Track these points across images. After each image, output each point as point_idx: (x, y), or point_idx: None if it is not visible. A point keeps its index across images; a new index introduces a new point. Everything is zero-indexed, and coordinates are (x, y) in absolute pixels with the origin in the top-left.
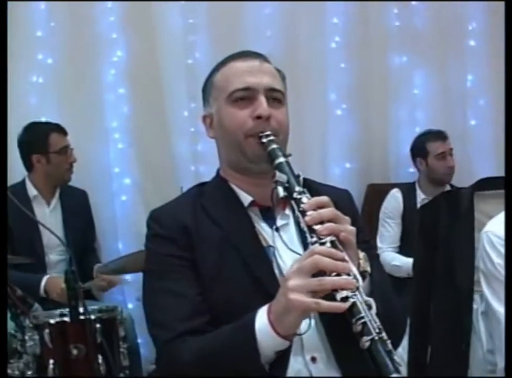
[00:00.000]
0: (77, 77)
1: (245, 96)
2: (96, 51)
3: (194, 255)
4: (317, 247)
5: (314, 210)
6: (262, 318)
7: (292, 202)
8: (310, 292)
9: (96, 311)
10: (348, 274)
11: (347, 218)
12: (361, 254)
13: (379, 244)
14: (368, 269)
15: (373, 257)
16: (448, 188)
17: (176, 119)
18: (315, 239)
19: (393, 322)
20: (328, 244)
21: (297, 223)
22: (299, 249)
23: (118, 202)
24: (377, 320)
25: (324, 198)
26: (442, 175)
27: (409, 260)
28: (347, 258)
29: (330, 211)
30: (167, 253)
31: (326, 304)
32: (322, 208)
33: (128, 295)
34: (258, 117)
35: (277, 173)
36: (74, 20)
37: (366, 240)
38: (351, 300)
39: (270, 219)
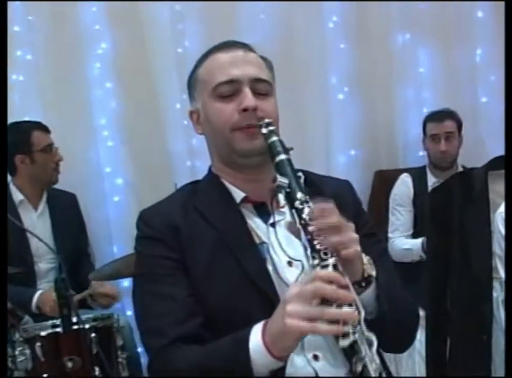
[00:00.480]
0: (60, 73)
1: (230, 89)
2: (79, 44)
3: (186, 257)
4: (319, 272)
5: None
6: (256, 336)
7: (293, 212)
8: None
9: (90, 320)
10: (350, 305)
11: (351, 226)
12: (366, 259)
13: (390, 234)
14: (373, 273)
15: (380, 252)
16: (460, 169)
17: (168, 113)
18: (316, 261)
19: (401, 323)
20: (330, 268)
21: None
22: (296, 246)
23: (110, 203)
24: (377, 360)
25: (328, 206)
26: (435, 159)
27: (419, 241)
28: (350, 284)
29: (331, 220)
30: (157, 255)
31: (324, 329)
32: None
33: (126, 302)
34: (245, 110)
35: (278, 177)
36: (53, 13)
37: (372, 232)
38: (352, 338)
39: (265, 215)
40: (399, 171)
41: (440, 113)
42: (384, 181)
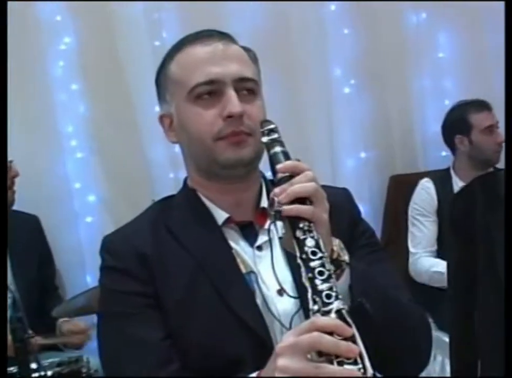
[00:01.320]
0: (16, 74)
1: (210, 90)
2: (37, 40)
3: (157, 290)
4: (318, 320)
5: (320, 258)
6: None
7: (294, 243)
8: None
9: (54, 365)
10: (355, 361)
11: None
12: (336, 241)
13: (411, 249)
14: (346, 258)
15: (381, 260)
16: (490, 170)
17: (146, 117)
18: (316, 307)
19: (396, 328)
20: (333, 315)
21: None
22: (283, 269)
23: (82, 225)
24: None
25: (300, 165)
26: (491, 154)
27: None
28: (357, 335)
29: (305, 188)
30: (123, 290)
31: None
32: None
33: None
34: (229, 116)
35: (276, 200)
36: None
37: (370, 242)
38: None
39: (251, 236)
40: (418, 175)
41: (483, 102)
42: (401, 188)
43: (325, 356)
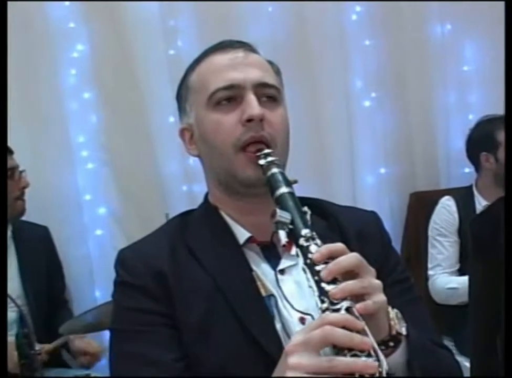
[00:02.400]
0: (26, 82)
1: (230, 96)
2: (49, 47)
3: (174, 310)
4: (329, 316)
5: (326, 262)
6: None
7: (298, 251)
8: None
9: None
10: (369, 354)
11: (372, 270)
12: (393, 312)
13: (430, 271)
14: (403, 330)
15: (413, 300)
16: None
17: (160, 128)
18: (325, 305)
19: None
20: (343, 312)
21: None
22: (309, 298)
23: (92, 238)
24: None
25: (339, 246)
26: None
27: (466, 278)
28: (367, 330)
29: (348, 260)
30: (137, 307)
31: None
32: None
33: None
34: (249, 120)
35: (278, 211)
36: (17, 10)
37: (403, 278)
38: None
39: (273, 258)
40: (440, 193)
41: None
42: (422, 205)
43: (338, 350)
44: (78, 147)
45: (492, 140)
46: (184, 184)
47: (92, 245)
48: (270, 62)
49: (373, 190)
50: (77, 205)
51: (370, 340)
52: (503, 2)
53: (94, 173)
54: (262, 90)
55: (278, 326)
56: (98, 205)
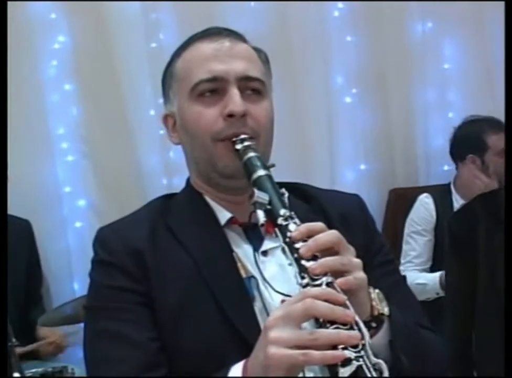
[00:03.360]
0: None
1: (213, 88)
2: (30, 37)
3: (151, 290)
4: (310, 289)
5: (305, 240)
6: (236, 376)
7: (277, 230)
8: (297, 347)
9: (38, 375)
10: (351, 327)
11: (351, 248)
12: (374, 293)
13: (401, 267)
14: (386, 310)
15: (397, 283)
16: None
17: (140, 120)
18: (306, 280)
19: (424, 373)
20: (324, 286)
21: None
22: (292, 282)
23: (71, 230)
24: None
25: (317, 225)
26: (502, 177)
27: (436, 275)
28: (349, 304)
29: (327, 237)
30: (114, 285)
31: (319, 357)
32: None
33: None
34: (230, 116)
35: (256, 192)
36: None
37: (388, 260)
38: (355, 363)
39: (255, 240)
40: (419, 190)
41: (497, 121)
42: (401, 202)
43: (320, 325)
44: (58, 139)
45: (480, 143)
46: (164, 177)
47: (71, 238)
48: (258, 50)
49: (352, 186)
50: (57, 197)
51: (352, 312)
52: (482, 2)
53: (74, 165)
54: (246, 83)
55: (258, 308)
56: (78, 197)
